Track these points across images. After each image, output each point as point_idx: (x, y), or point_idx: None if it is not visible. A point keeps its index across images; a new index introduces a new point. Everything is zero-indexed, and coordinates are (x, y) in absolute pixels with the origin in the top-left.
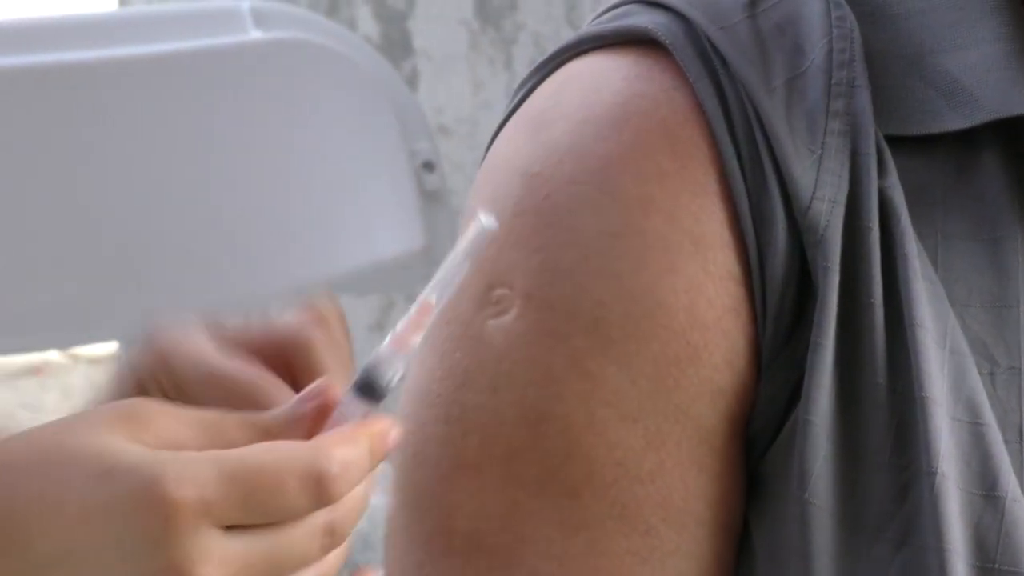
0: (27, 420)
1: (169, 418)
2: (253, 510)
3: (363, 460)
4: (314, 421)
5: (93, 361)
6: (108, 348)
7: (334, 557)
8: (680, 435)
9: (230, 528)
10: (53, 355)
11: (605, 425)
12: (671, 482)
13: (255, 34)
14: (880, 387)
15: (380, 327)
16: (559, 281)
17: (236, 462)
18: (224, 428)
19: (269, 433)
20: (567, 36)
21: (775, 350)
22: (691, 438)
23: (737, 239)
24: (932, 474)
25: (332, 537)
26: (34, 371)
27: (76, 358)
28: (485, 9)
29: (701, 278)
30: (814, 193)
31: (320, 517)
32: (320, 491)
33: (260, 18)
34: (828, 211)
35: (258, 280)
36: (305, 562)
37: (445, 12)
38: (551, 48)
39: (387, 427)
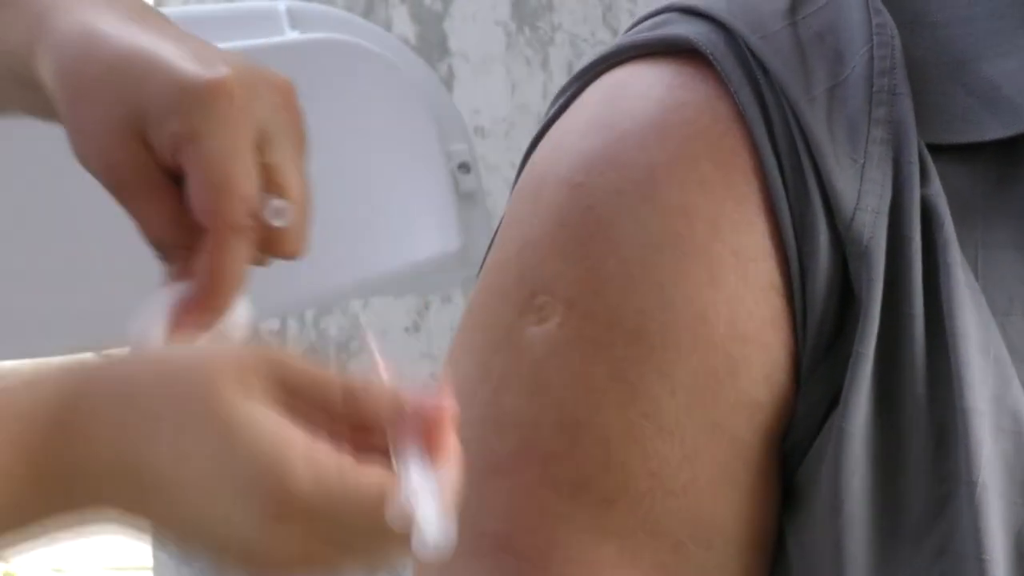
0: None
1: (283, 382)
2: (351, 537)
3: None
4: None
5: None
6: None
7: None
8: (715, 449)
9: None
10: (88, 357)
11: (642, 436)
12: (702, 497)
13: (292, 35)
14: (920, 397)
15: (416, 328)
16: (601, 290)
17: (350, 497)
18: (331, 395)
19: (366, 419)
20: (603, 37)
21: (815, 362)
22: (726, 452)
23: (778, 250)
24: (973, 484)
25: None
26: None
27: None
28: (521, 10)
29: (741, 290)
30: (857, 204)
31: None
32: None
33: (296, 19)
34: (872, 222)
35: (293, 283)
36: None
37: (481, 13)
38: (588, 49)
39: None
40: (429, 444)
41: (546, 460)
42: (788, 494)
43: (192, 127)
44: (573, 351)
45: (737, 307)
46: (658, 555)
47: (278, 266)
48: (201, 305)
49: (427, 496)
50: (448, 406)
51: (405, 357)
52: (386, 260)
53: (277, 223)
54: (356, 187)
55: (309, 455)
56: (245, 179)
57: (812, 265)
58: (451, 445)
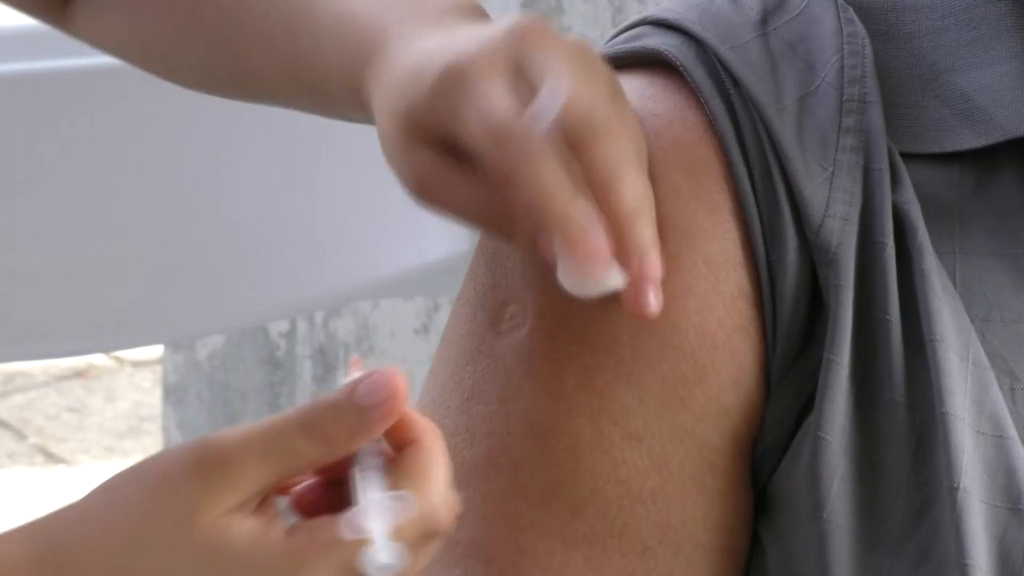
0: (72, 422)
1: (241, 455)
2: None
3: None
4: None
5: (138, 364)
6: (153, 351)
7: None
8: (683, 456)
9: None
10: (98, 358)
11: (611, 443)
12: (671, 503)
13: None
14: (898, 404)
15: (426, 330)
16: (572, 300)
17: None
18: (290, 444)
19: (328, 439)
20: None
21: (784, 369)
22: (694, 459)
23: (749, 257)
24: (954, 490)
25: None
26: (79, 374)
27: (121, 361)
28: (531, 12)
29: (712, 297)
30: (826, 211)
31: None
32: (439, 535)
33: None
34: (840, 229)
35: (305, 284)
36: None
37: (491, 15)
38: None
39: (433, 430)
40: (391, 444)
41: (516, 468)
42: (763, 501)
43: (448, 112)
44: (543, 359)
45: (707, 315)
46: (625, 560)
47: (288, 267)
48: None
49: (377, 514)
50: (390, 399)
51: (414, 359)
52: (395, 262)
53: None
54: (366, 189)
55: (287, 548)
56: (507, 107)
57: (781, 272)
58: (414, 435)
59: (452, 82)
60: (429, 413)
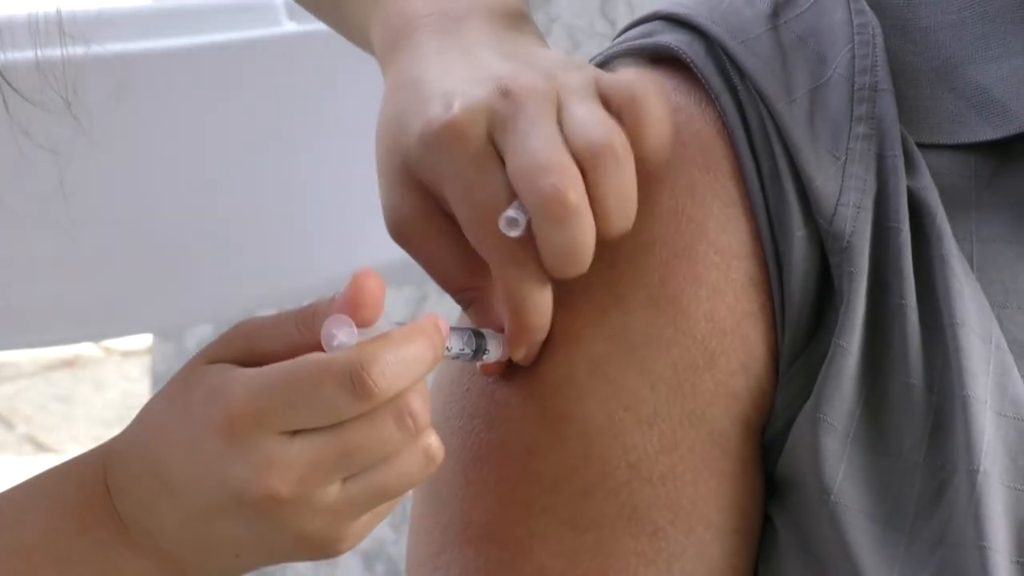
0: (60, 411)
1: (247, 336)
2: (299, 412)
3: (408, 355)
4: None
5: (126, 354)
6: (141, 341)
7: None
8: (694, 439)
9: (296, 433)
10: (87, 348)
11: (622, 428)
12: (681, 485)
13: (289, 26)
14: (914, 388)
15: (414, 319)
16: (588, 289)
17: (279, 371)
18: (287, 329)
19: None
20: (601, 29)
21: (793, 356)
22: (704, 442)
23: (758, 248)
24: (974, 472)
25: (406, 429)
26: (67, 363)
27: (109, 351)
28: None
29: (723, 286)
30: (838, 200)
31: (388, 413)
32: (357, 388)
33: (294, 10)
34: (853, 217)
35: (293, 273)
36: (384, 455)
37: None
38: (585, 40)
39: (432, 321)
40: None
41: (530, 452)
42: (773, 486)
43: (432, 174)
44: (558, 346)
45: (718, 303)
46: (636, 541)
47: (276, 257)
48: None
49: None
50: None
51: None
52: (384, 250)
53: (512, 234)
54: (353, 177)
55: (243, 376)
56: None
57: (788, 262)
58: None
59: (438, 146)
60: (446, 395)
